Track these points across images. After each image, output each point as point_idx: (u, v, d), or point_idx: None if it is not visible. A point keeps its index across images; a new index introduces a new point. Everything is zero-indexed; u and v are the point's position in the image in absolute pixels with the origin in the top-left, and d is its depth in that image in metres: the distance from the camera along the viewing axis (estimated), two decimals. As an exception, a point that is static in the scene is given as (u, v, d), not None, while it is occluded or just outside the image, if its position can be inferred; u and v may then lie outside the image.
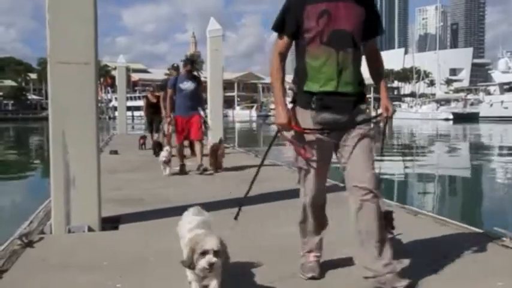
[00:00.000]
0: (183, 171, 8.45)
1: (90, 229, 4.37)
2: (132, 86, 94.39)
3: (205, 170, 8.35)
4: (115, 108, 49.86)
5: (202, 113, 9.07)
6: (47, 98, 4.47)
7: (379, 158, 3.21)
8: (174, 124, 8.38)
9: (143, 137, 13.82)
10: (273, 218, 4.89)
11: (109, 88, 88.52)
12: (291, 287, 3.03)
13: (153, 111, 13.35)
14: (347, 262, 3.44)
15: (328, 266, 3.35)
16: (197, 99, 8.49)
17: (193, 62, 9.63)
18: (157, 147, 10.73)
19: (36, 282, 3.10)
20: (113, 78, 69.82)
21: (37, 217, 4.91)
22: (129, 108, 35.43)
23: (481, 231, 4.22)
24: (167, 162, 8.05)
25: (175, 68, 10.87)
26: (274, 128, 3.41)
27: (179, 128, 8.31)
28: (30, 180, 13.75)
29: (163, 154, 8.08)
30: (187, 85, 8.31)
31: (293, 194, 4.28)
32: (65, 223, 4.34)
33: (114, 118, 47.36)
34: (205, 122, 8.70)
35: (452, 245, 3.87)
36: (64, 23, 4.33)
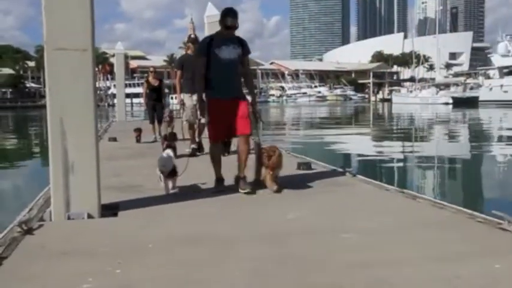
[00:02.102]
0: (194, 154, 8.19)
1: (89, 216, 4.37)
2: (130, 73, 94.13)
3: (251, 191, 5.28)
4: (114, 96, 49.77)
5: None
6: (45, 86, 4.45)
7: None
8: (208, 112, 5.47)
9: (138, 130, 11.57)
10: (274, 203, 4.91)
11: (108, 75, 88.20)
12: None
13: (155, 96, 11.75)
14: (346, 246, 3.46)
15: (327, 248, 3.38)
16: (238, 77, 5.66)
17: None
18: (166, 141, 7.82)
19: (36, 269, 3.12)
20: (111, 65, 69.61)
21: (36, 204, 4.92)
22: (127, 96, 35.33)
23: (479, 214, 4.24)
24: (172, 175, 5.37)
25: (194, 41, 8.88)
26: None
27: (215, 117, 5.42)
28: (29, 167, 13.78)
29: (163, 162, 5.33)
30: (228, 51, 5.37)
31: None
32: (65, 210, 4.35)
33: (113, 105, 47.30)
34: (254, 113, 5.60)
35: (449, 228, 3.89)
36: (60, 8, 4.29)
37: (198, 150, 8.69)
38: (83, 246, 3.59)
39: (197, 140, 8.86)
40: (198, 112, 7.92)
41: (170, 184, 5.36)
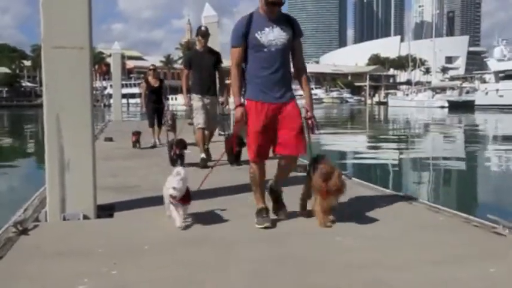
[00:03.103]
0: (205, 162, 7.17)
1: (85, 217, 4.36)
2: (127, 73, 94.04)
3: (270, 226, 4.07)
4: (110, 96, 49.69)
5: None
6: (41, 85, 4.44)
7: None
8: (246, 117, 4.05)
9: (137, 133, 10.23)
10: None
11: (105, 76, 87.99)
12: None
13: (154, 98, 10.65)
14: (344, 249, 3.47)
15: (325, 250, 3.38)
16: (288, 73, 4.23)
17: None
18: (178, 148, 7.25)
19: (31, 269, 3.10)
20: (108, 65, 69.57)
21: (32, 204, 4.90)
22: (124, 96, 35.35)
23: (474, 218, 4.25)
24: (185, 202, 4.06)
25: (204, 34, 7.58)
26: None
27: (257, 126, 4.01)
28: (24, 167, 13.73)
29: (174, 184, 3.95)
30: (273, 35, 3.99)
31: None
32: (60, 211, 4.33)
33: (109, 106, 47.23)
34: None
35: (445, 232, 3.89)
36: (58, 6, 4.28)
37: (208, 159, 7.45)
38: (78, 247, 3.58)
39: (205, 146, 7.71)
40: (194, 115, 7.52)
41: (181, 212, 4.02)
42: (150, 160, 8.44)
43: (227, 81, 7.31)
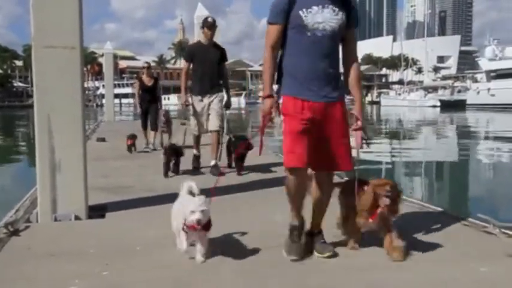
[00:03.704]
0: None
1: (76, 217, 4.34)
2: (119, 73, 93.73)
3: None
4: (102, 96, 49.52)
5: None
6: (33, 86, 4.42)
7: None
8: (284, 119, 3.24)
9: (132, 137, 9.59)
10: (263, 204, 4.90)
11: (97, 76, 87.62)
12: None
13: (149, 98, 10.04)
14: (342, 250, 3.48)
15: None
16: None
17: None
18: (173, 156, 6.66)
19: (22, 270, 3.09)
20: (100, 65, 69.31)
21: (23, 205, 4.87)
22: (116, 96, 35.22)
23: (464, 217, 4.27)
24: (206, 230, 3.18)
25: (211, 25, 6.83)
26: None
27: (297, 128, 3.18)
28: (16, 168, 13.65)
29: (200, 206, 3.06)
30: (323, 15, 3.19)
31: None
32: (51, 211, 4.31)
33: (102, 106, 47.02)
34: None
35: (435, 231, 3.91)
36: (48, 5, 4.26)
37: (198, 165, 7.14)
38: (69, 248, 3.57)
39: (197, 153, 7.20)
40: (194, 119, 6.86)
41: (202, 242, 3.16)
42: (142, 160, 8.42)
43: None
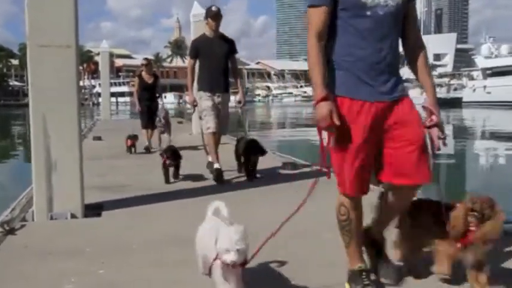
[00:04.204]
0: None
1: (72, 216, 4.34)
2: (115, 71, 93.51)
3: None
4: (98, 95, 49.45)
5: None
6: (28, 85, 4.41)
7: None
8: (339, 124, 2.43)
9: (133, 138, 9.18)
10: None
11: (94, 75, 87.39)
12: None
13: (147, 96, 9.58)
14: (331, 247, 3.48)
15: (312, 248, 3.39)
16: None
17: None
18: (172, 160, 6.03)
19: (18, 269, 3.09)
20: (96, 64, 69.20)
21: (19, 204, 4.86)
22: (113, 95, 35.17)
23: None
24: (243, 265, 2.44)
25: (215, 15, 6.18)
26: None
27: (350, 138, 2.49)
28: (11, 166, 13.62)
29: (237, 244, 2.33)
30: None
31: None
32: (47, 210, 4.31)
33: (98, 104, 46.94)
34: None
35: None
36: (43, 4, 4.25)
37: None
38: (65, 247, 3.56)
39: (217, 163, 6.10)
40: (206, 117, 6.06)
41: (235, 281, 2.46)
42: (138, 159, 8.42)
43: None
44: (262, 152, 6.01)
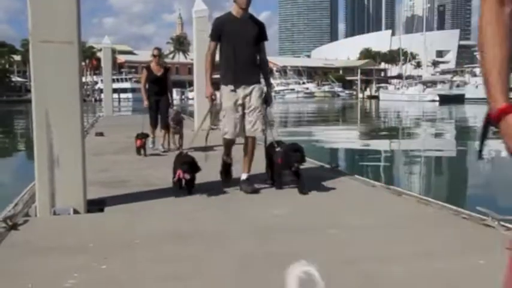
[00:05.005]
0: None
1: (75, 211, 4.34)
2: (118, 68, 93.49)
3: None
4: (101, 91, 49.47)
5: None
6: (31, 80, 4.41)
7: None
8: None
9: (142, 137, 8.08)
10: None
11: (96, 71, 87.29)
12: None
13: (158, 90, 8.57)
14: (333, 243, 3.49)
15: (314, 244, 3.40)
16: None
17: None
18: (189, 173, 4.91)
19: (21, 264, 3.09)
20: (98, 60, 69.09)
21: (22, 199, 4.88)
22: (115, 91, 35.17)
23: (463, 210, 4.28)
24: None
25: None
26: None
27: None
28: (14, 162, 13.66)
29: None
30: None
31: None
32: (50, 205, 4.31)
33: (100, 100, 46.94)
34: None
35: (434, 225, 3.92)
36: (46, 0, 4.25)
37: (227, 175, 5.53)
38: (68, 242, 3.57)
39: (228, 159, 5.48)
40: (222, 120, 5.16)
41: None
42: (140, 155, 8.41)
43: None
44: (303, 158, 5.04)
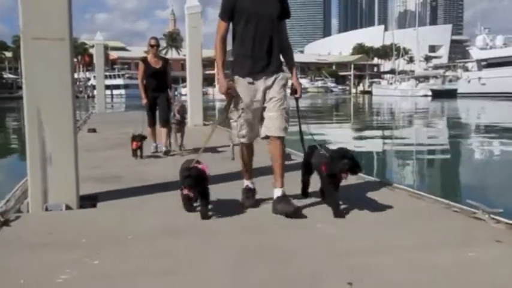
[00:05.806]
0: None
1: (67, 207, 4.34)
2: (110, 64, 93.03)
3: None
4: (93, 87, 49.25)
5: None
6: (22, 77, 4.40)
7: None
8: None
9: (139, 138, 7.35)
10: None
11: (89, 67, 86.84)
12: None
13: (155, 85, 7.68)
14: (325, 236, 3.51)
15: (307, 239, 3.42)
16: None
17: None
18: (196, 187, 3.95)
19: (13, 260, 3.09)
20: (91, 56, 68.73)
21: (14, 195, 4.86)
22: (107, 87, 35.10)
23: (454, 204, 4.32)
24: None
25: None
26: None
27: None
28: (7, 159, 13.59)
29: None
30: None
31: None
32: (42, 201, 4.31)
33: (93, 97, 46.77)
34: None
35: (426, 218, 3.95)
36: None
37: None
38: (60, 238, 3.57)
39: (250, 183, 4.48)
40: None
41: None
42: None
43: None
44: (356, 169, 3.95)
